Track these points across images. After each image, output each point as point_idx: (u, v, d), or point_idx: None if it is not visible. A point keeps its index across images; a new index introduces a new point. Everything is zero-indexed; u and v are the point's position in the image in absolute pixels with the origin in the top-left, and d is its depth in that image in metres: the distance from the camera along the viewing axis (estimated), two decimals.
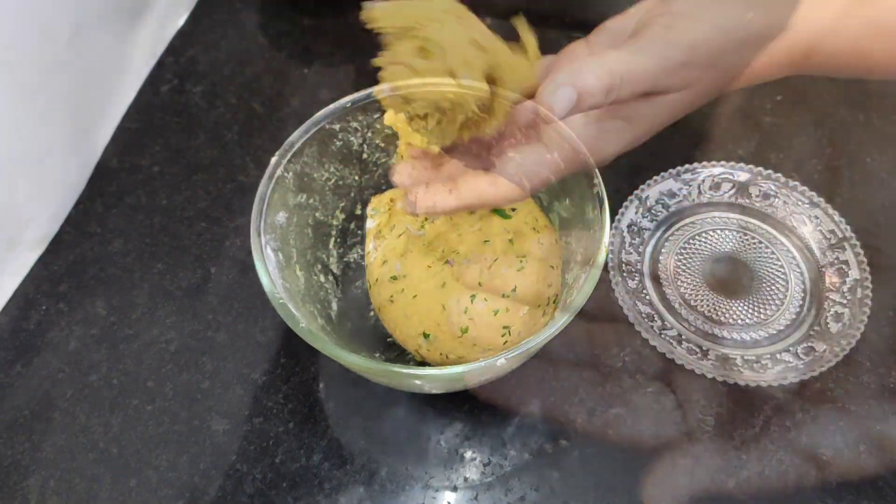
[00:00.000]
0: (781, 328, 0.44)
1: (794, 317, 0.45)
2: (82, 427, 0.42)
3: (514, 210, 0.42)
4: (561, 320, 0.32)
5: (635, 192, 0.49)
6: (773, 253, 0.47)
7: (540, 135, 0.34)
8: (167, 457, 0.41)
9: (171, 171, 0.53)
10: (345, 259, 0.45)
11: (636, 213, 0.49)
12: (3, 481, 0.40)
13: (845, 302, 0.44)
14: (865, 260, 0.45)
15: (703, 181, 0.50)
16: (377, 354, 0.43)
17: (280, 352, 0.44)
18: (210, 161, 0.53)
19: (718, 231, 0.48)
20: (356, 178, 0.45)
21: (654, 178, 0.50)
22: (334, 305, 0.43)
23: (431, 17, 0.32)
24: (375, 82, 0.41)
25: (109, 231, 0.50)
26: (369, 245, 0.43)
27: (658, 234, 0.48)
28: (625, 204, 0.49)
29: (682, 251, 0.47)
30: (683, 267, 0.47)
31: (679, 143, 0.53)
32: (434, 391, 0.41)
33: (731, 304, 0.45)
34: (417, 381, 0.34)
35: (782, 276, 0.46)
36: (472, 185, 0.35)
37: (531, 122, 0.33)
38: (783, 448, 0.40)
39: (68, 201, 0.51)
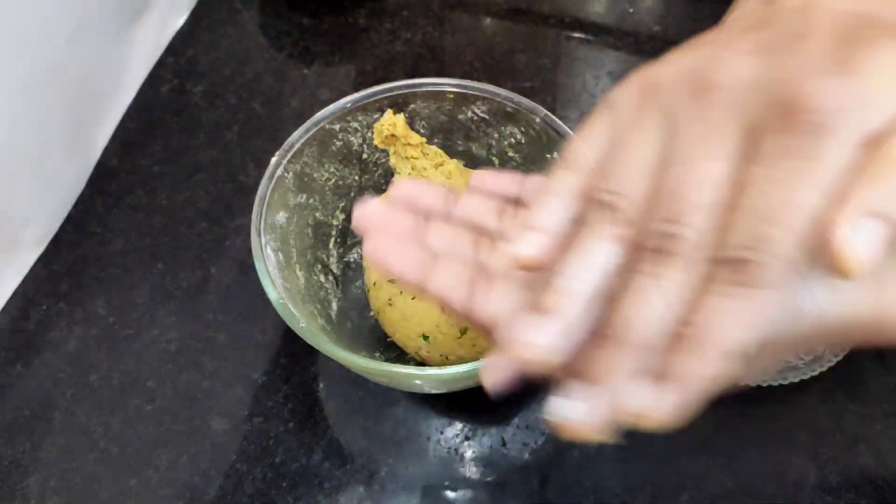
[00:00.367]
0: None
1: None
2: (82, 427, 0.42)
3: None
4: None
5: None
6: None
7: None
8: (167, 457, 0.41)
9: (171, 171, 0.53)
10: (345, 259, 0.45)
11: None
12: (3, 481, 0.40)
13: None
14: None
15: None
16: (377, 354, 0.43)
17: (280, 352, 0.44)
18: (210, 161, 0.53)
19: None
20: (356, 178, 0.45)
21: None
22: (334, 305, 0.43)
23: None
24: (375, 82, 0.42)
25: (109, 231, 0.50)
26: None
27: None
28: None
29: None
30: None
31: None
32: (434, 391, 0.41)
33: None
34: (417, 381, 0.34)
35: None
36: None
37: None
38: (783, 448, 0.40)
39: (68, 201, 0.51)
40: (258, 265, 0.34)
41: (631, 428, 0.17)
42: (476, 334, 0.39)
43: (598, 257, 0.19)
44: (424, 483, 0.40)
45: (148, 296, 0.47)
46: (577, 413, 0.18)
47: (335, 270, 0.44)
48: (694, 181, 0.18)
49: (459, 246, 0.25)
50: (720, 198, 0.17)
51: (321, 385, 0.43)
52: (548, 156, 0.40)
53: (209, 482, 0.40)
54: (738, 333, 0.17)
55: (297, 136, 0.39)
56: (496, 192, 0.26)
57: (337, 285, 0.44)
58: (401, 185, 0.26)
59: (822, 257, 0.16)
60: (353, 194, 0.45)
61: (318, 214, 0.43)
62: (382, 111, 0.41)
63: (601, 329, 0.18)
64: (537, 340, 0.18)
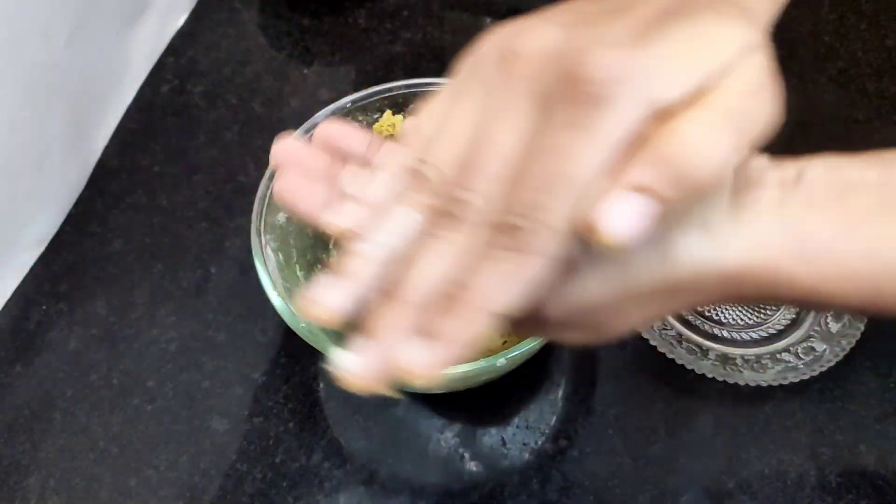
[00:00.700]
0: (781, 328, 0.44)
1: (794, 316, 0.45)
2: (82, 427, 0.42)
3: None
4: None
5: None
6: None
7: None
8: (167, 457, 0.41)
9: (171, 171, 0.53)
10: None
11: None
12: (3, 481, 0.40)
13: None
14: None
15: None
16: None
17: (280, 352, 0.44)
18: (210, 161, 0.53)
19: None
20: None
21: None
22: None
23: None
24: (375, 82, 0.41)
25: (109, 231, 0.50)
26: None
27: None
28: None
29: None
30: None
31: None
32: (434, 391, 0.41)
33: (730, 304, 0.45)
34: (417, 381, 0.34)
35: None
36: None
37: None
38: (783, 448, 0.40)
39: (68, 201, 0.51)
40: (258, 265, 0.34)
41: (403, 383, 0.18)
42: None
43: (398, 223, 0.20)
44: (424, 483, 0.40)
45: (148, 296, 0.47)
46: (353, 365, 0.19)
47: None
48: (487, 151, 0.18)
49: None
50: (509, 167, 0.18)
51: (321, 385, 0.43)
52: None
53: (209, 482, 0.40)
54: (503, 297, 0.17)
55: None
56: (339, 148, 0.25)
57: None
58: (326, 125, 0.25)
59: (589, 227, 0.17)
60: None
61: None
62: (382, 111, 0.41)
63: (389, 288, 0.19)
64: (325, 300, 0.19)
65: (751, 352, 0.43)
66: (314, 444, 0.41)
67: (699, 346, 0.43)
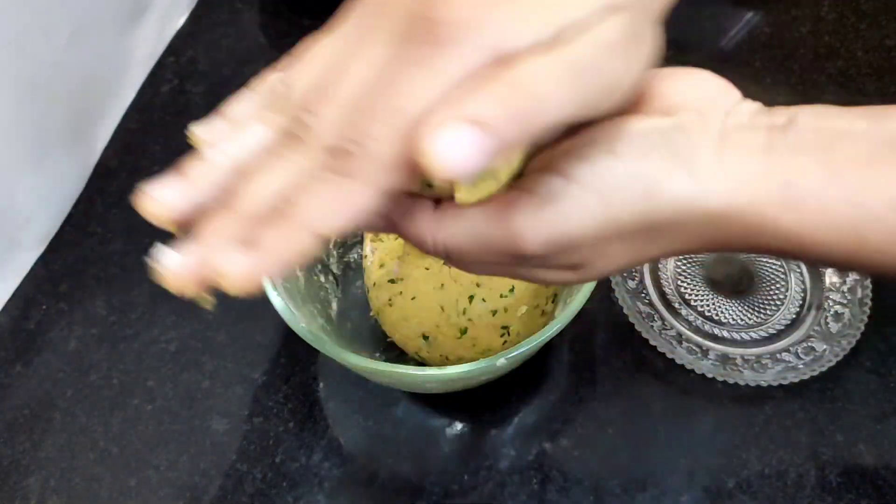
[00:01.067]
0: (781, 328, 0.44)
1: (794, 317, 0.45)
2: (82, 427, 0.42)
3: None
4: (560, 320, 0.32)
5: None
6: None
7: None
8: (167, 456, 0.41)
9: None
10: (345, 259, 0.45)
11: None
12: (3, 481, 0.40)
13: (845, 302, 0.44)
14: None
15: None
16: (377, 354, 0.43)
17: (280, 352, 0.44)
18: None
19: None
20: None
21: None
22: (334, 305, 0.43)
23: None
24: None
25: (109, 231, 0.50)
26: (367, 248, 0.43)
27: None
28: None
29: (690, 252, 0.47)
30: (683, 267, 0.47)
31: None
32: (434, 391, 0.41)
33: (731, 304, 0.45)
34: (417, 381, 0.34)
35: (782, 276, 0.46)
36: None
37: None
38: (783, 448, 0.40)
39: (68, 201, 0.51)
40: None
41: (217, 288, 0.18)
42: (476, 334, 0.39)
43: (246, 137, 0.20)
44: (424, 483, 0.40)
45: (148, 296, 0.47)
46: (171, 262, 0.19)
47: (335, 270, 0.44)
48: (337, 79, 0.19)
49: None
50: (354, 96, 0.18)
51: (321, 385, 0.43)
52: None
53: (209, 482, 0.40)
54: (325, 218, 0.18)
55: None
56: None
57: (337, 285, 0.44)
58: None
59: (419, 157, 0.17)
60: None
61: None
62: None
63: (224, 198, 0.20)
64: (161, 197, 0.20)
65: (751, 352, 0.43)
66: (314, 444, 0.41)
67: (699, 346, 0.43)
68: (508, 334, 0.39)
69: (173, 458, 0.41)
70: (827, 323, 0.44)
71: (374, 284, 0.42)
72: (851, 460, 0.40)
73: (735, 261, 0.47)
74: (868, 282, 0.44)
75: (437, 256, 0.23)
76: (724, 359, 0.43)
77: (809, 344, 0.43)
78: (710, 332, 0.44)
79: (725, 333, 0.44)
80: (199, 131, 0.22)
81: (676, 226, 0.21)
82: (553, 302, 0.40)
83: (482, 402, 0.42)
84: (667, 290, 0.46)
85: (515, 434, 0.41)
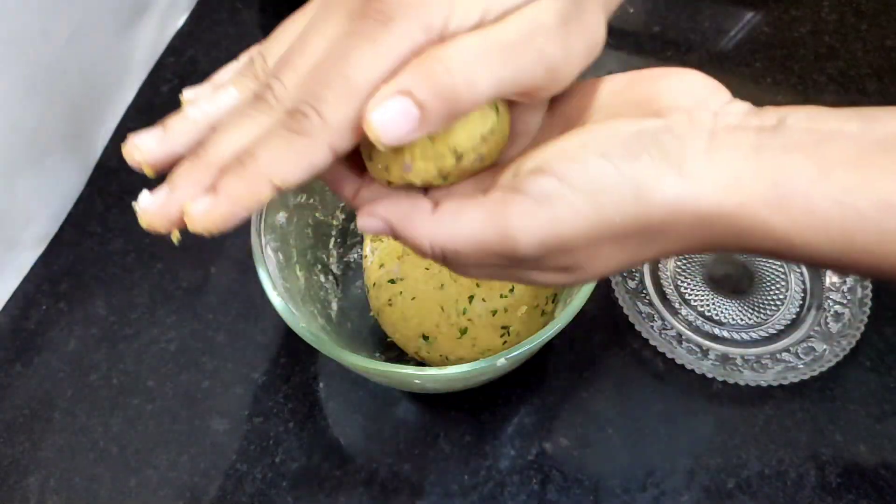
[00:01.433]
0: (781, 328, 0.44)
1: (794, 317, 0.45)
2: (82, 427, 0.42)
3: None
4: (560, 320, 0.32)
5: None
6: None
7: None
8: (167, 457, 0.41)
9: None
10: (345, 259, 0.45)
11: None
12: (3, 481, 0.40)
13: (845, 302, 0.44)
14: None
15: None
16: (377, 354, 0.43)
17: (280, 352, 0.44)
18: None
19: None
20: None
21: None
22: (334, 305, 0.43)
23: None
24: None
25: (109, 231, 0.50)
26: (367, 248, 0.43)
27: None
28: None
29: (683, 254, 0.47)
30: (683, 267, 0.47)
31: None
32: (434, 391, 0.41)
33: (731, 304, 0.45)
34: (417, 381, 0.34)
35: (782, 276, 0.46)
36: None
37: None
38: (783, 448, 0.40)
39: (68, 201, 0.51)
40: (258, 265, 0.34)
41: (184, 226, 0.21)
42: (476, 334, 0.39)
43: (221, 98, 0.23)
44: (424, 483, 0.40)
45: (148, 296, 0.47)
46: (145, 201, 0.22)
47: (335, 270, 0.44)
48: (299, 50, 0.22)
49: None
50: (312, 65, 0.21)
51: (321, 385, 0.43)
52: None
53: (209, 482, 0.40)
54: (281, 171, 0.20)
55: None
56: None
57: (337, 285, 0.44)
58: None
59: (363, 124, 0.20)
60: None
61: (318, 214, 0.43)
62: None
63: (196, 149, 0.22)
64: (141, 144, 0.23)
65: (751, 352, 0.43)
66: (314, 444, 0.41)
67: (699, 346, 0.43)
68: (508, 334, 0.39)
69: (173, 458, 0.41)
70: (827, 323, 0.44)
71: (374, 284, 0.42)
72: (851, 460, 0.40)
73: (735, 261, 0.47)
74: (868, 282, 0.44)
75: (435, 260, 0.23)
76: (724, 359, 0.43)
77: (809, 344, 0.43)
78: (710, 332, 0.44)
79: (725, 333, 0.44)
80: (187, 93, 0.25)
81: (668, 227, 0.21)
82: (553, 302, 0.40)
83: (482, 402, 0.42)
84: (667, 290, 0.46)
85: (515, 434, 0.41)
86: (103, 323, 0.46)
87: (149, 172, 0.24)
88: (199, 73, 0.58)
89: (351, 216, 0.45)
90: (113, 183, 0.52)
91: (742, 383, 0.41)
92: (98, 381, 0.44)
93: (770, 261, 0.47)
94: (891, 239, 0.19)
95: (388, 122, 0.19)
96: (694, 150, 0.20)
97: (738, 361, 0.43)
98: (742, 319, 0.45)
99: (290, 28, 0.24)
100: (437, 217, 0.22)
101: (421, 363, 0.41)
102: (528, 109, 0.25)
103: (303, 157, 0.20)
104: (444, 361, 0.40)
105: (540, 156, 0.22)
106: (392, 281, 0.40)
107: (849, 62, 0.56)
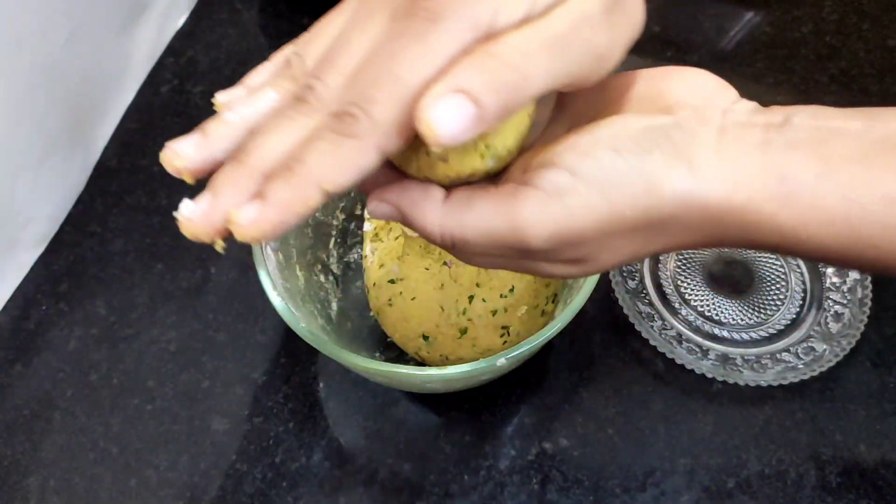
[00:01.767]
0: (781, 328, 0.44)
1: (794, 317, 0.45)
2: (82, 427, 0.42)
3: None
4: (560, 320, 0.32)
5: None
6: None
7: None
8: (167, 457, 0.41)
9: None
10: (345, 259, 0.45)
11: None
12: (3, 481, 0.40)
13: (845, 302, 0.44)
14: None
15: None
16: (377, 354, 0.43)
17: (280, 352, 0.44)
18: None
19: None
20: None
21: None
22: (334, 305, 0.43)
23: None
24: None
25: (109, 231, 0.50)
26: (367, 248, 0.43)
27: None
28: None
29: (682, 251, 0.47)
30: (683, 267, 0.47)
31: None
32: (434, 391, 0.41)
33: (731, 304, 0.45)
34: (417, 381, 0.34)
35: (782, 276, 0.46)
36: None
37: None
38: (783, 448, 0.40)
39: (68, 201, 0.51)
40: (258, 265, 0.34)
41: (229, 235, 0.20)
42: (476, 334, 0.39)
43: (260, 100, 0.22)
44: (424, 483, 0.40)
45: (148, 296, 0.47)
46: (188, 210, 0.21)
47: (335, 270, 0.44)
48: (341, 50, 0.21)
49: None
50: (357, 65, 0.20)
51: (321, 385, 0.43)
52: None
53: (209, 482, 0.40)
54: (328, 173, 0.19)
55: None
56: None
57: (337, 285, 0.44)
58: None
59: (417, 124, 0.19)
60: (352, 194, 0.44)
61: (318, 214, 0.43)
62: None
63: (239, 155, 0.21)
64: (181, 151, 0.22)
65: (751, 352, 0.43)
66: (314, 444, 0.41)
67: (699, 346, 0.43)
68: (508, 334, 0.39)
69: (173, 458, 0.41)
70: (827, 323, 0.44)
71: (374, 284, 0.42)
72: (851, 460, 0.40)
73: (735, 260, 0.47)
74: (868, 282, 0.44)
75: (444, 248, 0.23)
76: (724, 359, 0.43)
77: (809, 344, 0.43)
78: (710, 332, 0.44)
79: (725, 333, 0.44)
80: (220, 97, 0.24)
81: (677, 220, 0.21)
82: (553, 302, 0.40)
83: (482, 402, 0.42)
84: (667, 290, 0.46)
85: (515, 434, 0.41)
86: (103, 323, 0.46)
87: (189, 179, 0.23)
88: (199, 73, 0.58)
89: (351, 216, 0.45)
90: (113, 183, 0.52)
91: (742, 383, 0.41)
92: (98, 381, 0.44)
93: (770, 260, 0.47)
94: (895, 233, 0.20)
95: (445, 120, 0.18)
96: (703, 146, 0.21)
97: (738, 361, 0.42)
98: (742, 319, 0.45)
99: (327, 28, 0.23)
100: (448, 206, 0.23)
101: (421, 363, 0.41)
102: (540, 103, 0.25)
103: (352, 160, 0.19)
104: (444, 361, 0.40)
105: (551, 150, 0.22)
106: (392, 281, 0.40)
107: (850, 62, 0.56)
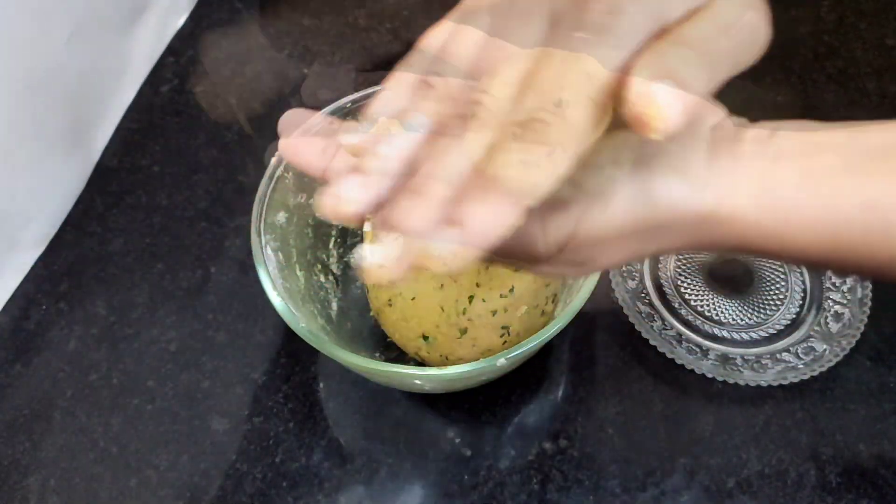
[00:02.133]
0: (781, 328, 0.44)
1: (794, 317, 0.45)
2: (82, 427, 0.42)
3: None
4: (560, 320, 0.32)
5: None
6: None
7: None
8: (167, 457, 0.41)
9: (171, 171, 0.53)
10: (345, 259, 0.45)
11: None
12: (3, 481, 0.40)
13: (845, 302, 0.44)
14: None
15: None
16: (377, 354, 0.43)
17: (280, 352, 0.44)
18: (210, 161, 0.53)
19: None
20: None
21: None
22: (334, 305, 0.43)
23: None
24: (375, 82, 0.41)
25: (109, 231, 0.50)
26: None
27: None
28: None
29: (683, 251, 0.47)
30: (683, 267, 0.47)
31: None
32: (434, 391, 0.41)
33: (731, 304, 0.45)
34: (417, 381, 0.34)
35: (782, 276, 0.46)
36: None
37: None
38: (783, 448, 0.40)
39: (68, 201, 0.51)
40: (258, 265, 0.34)
41: (423, 269, 0.19)
42: (476, 334, 0.39)
43: (410, 126, 0.21)
44: (424, 483, 0.40)
45: (148, 296, 0.47)
46: (380, 258, 0.19)
47: (335, 270, 0.44)
48: (501, 58, 0.20)
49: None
50: (522, 72, 0.19)
51: (321, 385, 0.43)
52: None
53: (209, 482, 0.40)
54: (527, 184, 0.18)
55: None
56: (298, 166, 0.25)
57: (337, 285, 0.44)
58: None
59: (633, 118, 0.18)
60: None
61: (318, 214, 0.43)
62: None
63: (408, 185, 0.20)
64: (347, 195, 0.20)
65: (751, 352, 0.43)
66: (314, 444, 0.41)
67: (699, 346, 0.43)
68: (508, 334, 0.39)
69: (173, 458, 0.41)
70: (827, 323, 0.44)
71: (374, 284, 0.42)
72: (851, 460, 0.40)
73: (735, 261, 0.47)
74: (868, 281, 0.44)
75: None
76: (724, 359, 0.43)
77: (809, 344, 0.43)
78: (710, 332, 0.44)
79: (725, 333, 0.44)
80: (349, 139, 0.22)
81: (671, 227, 0.23)
82: (553, 302, 0.40)
83: (482, 402, 0.42)
84: (667, 290, 0.46)
85: (515, 434, 0.41)
86: (103, 323, 0.46)
87: (356, 223, 0.21)
88: (198, 73, 0.58)
89: None
90: (113, 183, 0.52)
91: (742, 383, 0.41)
92: (98, 381, 0.44)
93: (770, 261, 0.47)
94: (875, 239, 0.21)
95: (668, 101, 0.17)
96: (696, 160, 0.22)
97: (738, 361, 0.42)
98: (742, 319, 0.45)
99: (464, 41, 0.21)
100: None
101: (421, 363, 0.41)
102: None
103: (549, 167, 0.18)
104: (444, 361, 0.40)
105: None
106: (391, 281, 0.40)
107: (848, 61, 0.56)
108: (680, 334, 0.44)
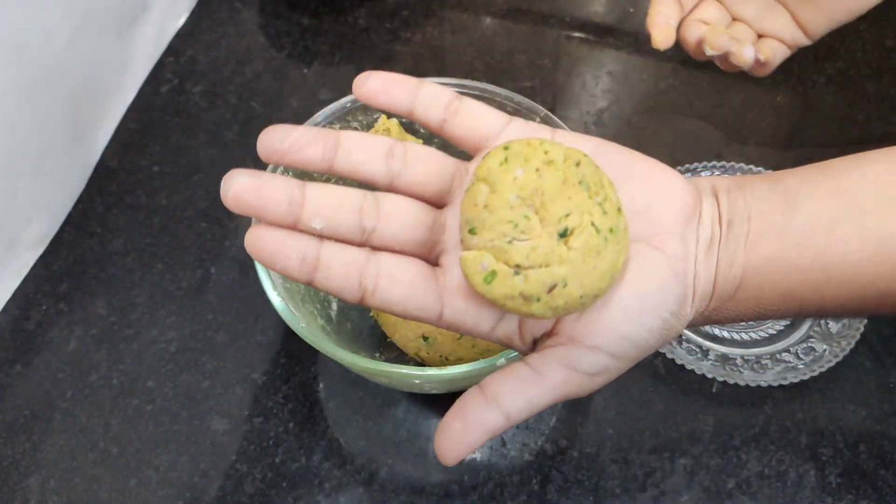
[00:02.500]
0: (781, 328, 0.44)
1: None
2: (82, 427, 0.42)
3: None
4: None
5: None
6: None
7: None
8: (167, 457, 0.41)
9: (171, 171, 0.53)
10: None
11: None
12: (3, 481, 0.40)
13: None
14: None
15: None
16: (377, 354, 0.43)
17: (280, 352, 0.44)
18: (210, 161, 0.53)
19: None
20: None
21: None
22: (334, 305, 0.43)
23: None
24: None
25: (109, 231, 0.50)
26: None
27: None
28: None
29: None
30: None
31: (679, 143, 0.53)
32: (434, 391, 0.41)
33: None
34: (417, 382, 0.34)
35: None
36: None
37: None
38: (783, 448, 0.40)
39: (68, 201, 0.51)
40: (258, 265, 0.34)
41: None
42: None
43: None
44: (424, 483, 0.40)
45: (148, 296, 0.47)
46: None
47: None
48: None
49: (344, 217, 0.25)
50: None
51: (321, 385, 0.43)
52: None
53: (209, 482, 0.40)
54: None
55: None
56: (387, 104, 0.27)
57: None
58: (269, 134, 0.25)
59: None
60: None
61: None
62: (383, 111, 0.41)
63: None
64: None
65: (751, 352, 0.43)
66: (314, 444, 0.41)
67: (699, 346, 0.43)
68: None
69: (173, 459, 0.41)
70: (827, 323, 0.44)
71: None
72: (851, 460, 0.40)
73: None
74: None
75: None
76: (724, 359, 0.43)
77: (809, 344, 0.43)
78: (710, 332, 0.44)
79: (725, 333, 0.44)
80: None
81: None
82: None
83: None
84: None
85: (515, 434, 0.41)
86: (103, 323, 0.46)
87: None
88: (198, 73, 0.58)
89: None
90: (113, 183, 0.52)
91: (742, 383, 0.41)
92: (98, 381, 0.44)
93: None
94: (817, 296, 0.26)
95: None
96: (693, 274, 0.26)
97: (738, 361, 0.43)
98: None
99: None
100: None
101: (421, 363, 0.41)
102: None
103: None
104: (444, 362, 0.40)
105: (569, 327, 0.26)
106: None
107: (848, 62, 0.56)
108: (680, 334, 0.44)
